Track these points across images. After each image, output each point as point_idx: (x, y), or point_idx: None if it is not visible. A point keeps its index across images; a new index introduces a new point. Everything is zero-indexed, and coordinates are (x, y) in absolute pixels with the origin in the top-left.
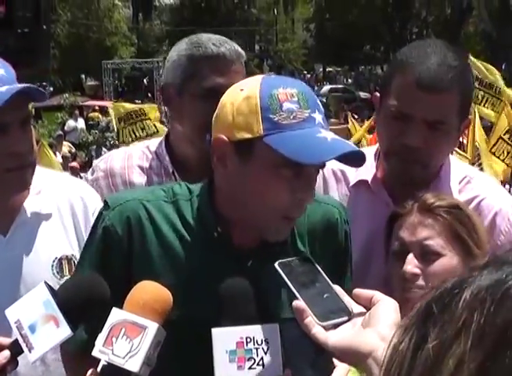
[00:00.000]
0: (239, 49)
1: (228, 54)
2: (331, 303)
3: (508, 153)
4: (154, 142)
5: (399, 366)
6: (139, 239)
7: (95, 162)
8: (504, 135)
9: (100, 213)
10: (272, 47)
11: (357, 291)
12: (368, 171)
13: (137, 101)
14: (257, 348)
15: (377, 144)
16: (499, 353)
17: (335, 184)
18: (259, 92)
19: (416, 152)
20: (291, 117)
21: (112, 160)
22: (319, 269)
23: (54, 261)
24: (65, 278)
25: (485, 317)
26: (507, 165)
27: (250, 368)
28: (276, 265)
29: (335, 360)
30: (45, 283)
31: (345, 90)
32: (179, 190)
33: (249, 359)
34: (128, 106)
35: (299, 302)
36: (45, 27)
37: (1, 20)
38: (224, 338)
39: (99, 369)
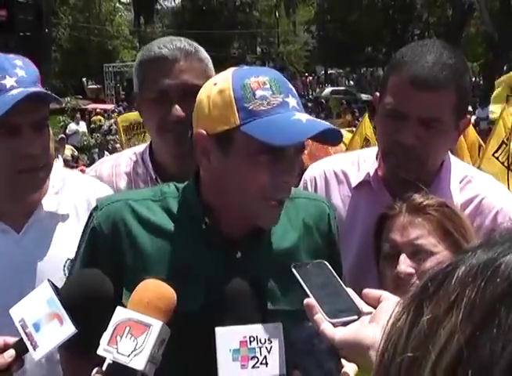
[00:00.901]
0: (187, 46)
1: (170, 54)
2: (342, 302)
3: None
4: (141, 149)
5: (396, 341)
6: (127, 238)
7: (87, 170)
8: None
9: (90, 213)
10: (274, 49)
11: (366, 290)
12: (370, 172)
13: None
14: (260, 347)
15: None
16: (486, 324)
17: (336, 185)
18: (232, 84)
19: (410, 150)
20: (265, 104)
21: (101, 168)
22: (333, 271)
23: (66, 261)
24: None
25: (476, 292)
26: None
27: (253, 367)
28: (292, 266)
29: (343, 361)
30: (49, 281)
31: (347, 92)
32: (167, 189)
33: (252, 358)
34: (132, 116)
35: (309, 299)
36: (46, 30)
37: (3, 24)
38: (227, 337)
39: (104, 367)
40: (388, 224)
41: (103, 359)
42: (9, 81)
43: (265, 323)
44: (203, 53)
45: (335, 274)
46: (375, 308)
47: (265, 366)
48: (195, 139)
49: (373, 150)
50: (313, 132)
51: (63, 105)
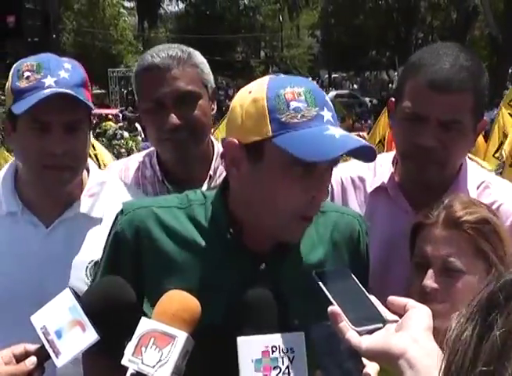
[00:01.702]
0: (180, 53)
1: (162, 62)
2: (366, 310)
3: None
4: (149, 152)
5: (463, 354)
6: (149, 245)
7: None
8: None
9: (116, 217)
10: (278, 53)
11: (391, 298)
12: (386, 178)
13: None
14: (282, 357)
15: (394, 150)
16: None
17: (353, 191)
18: (266, 94)
19: (431, 152)
20: (299, 117)
21: (110, 172)
22: (355, 279)
23: (90, 263)
24: None
25: None
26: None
27: None
28: (314, 273)
29: (364, 360)
30: (70, 288)
31: (351, 96)
32: (193, 197)
33: (274, 368)
34: None
35: (334, 307)
36: (54, 35)
37: (11, 30)
38: (249, 347)
39: None
40: (422, 233)
41: (126, 369)
42: (48, 80)
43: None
44: (198, 58)
45: (357, 281)
46: (400, 316)
47: None
48: (225, 147)
49: (390, 155)
50: (346, 149)
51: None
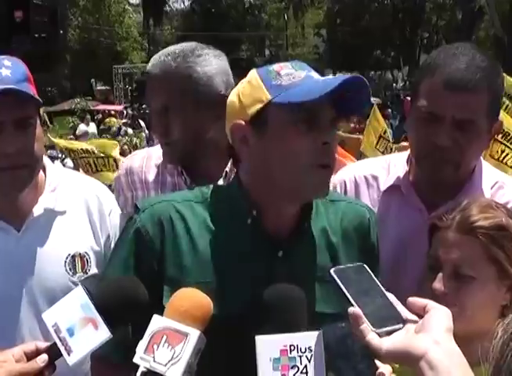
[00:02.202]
0: (172, 63)
1: (153, 73)
2: (385, 311)
3: (503, 152)
4: None
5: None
6: (171, 239)
7: (122, 159)
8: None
9: (130, 217)
10: (283, 52)
11: (411, 299)
12: (400, 177)
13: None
14: (300, 356)
15: (408, 150)
16: None
17: (366, 190)
18: (257, 72)
19: (446, 152)
20: (292, 78)
21: (133, 159)
22: (373, 276)
23: (67, 257)
24: (77, 275)
25: None
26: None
27: None
28: (332, 271)
29: (377, 362)
30: (83, 285)
31: None
32: (207, 191)
33: (293, 367)
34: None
35: (355, 309)
36: (61, 31)
37: (18, 25)
38: (267, 346)
39: (137, 375)
40: (436, 236)
41: (136, 367)
42: None
43: (306, 329)
44: (198, 66)
45: (375, 278)
46: (419, 316)
47: (305, 375)
48: (231, 131)
49: (404, 155)
50: (339, 81)
51: (73, 106)
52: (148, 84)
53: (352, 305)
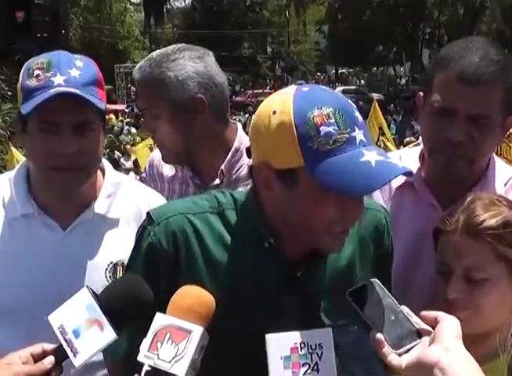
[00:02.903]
0: (148, 68)
1: (135, 78)
2: (402, 328)
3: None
4: None
5: None
6: (186, 254)
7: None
8: None
9: (144, 227)
10: (285, 49)
11: (423, 313)
12: (413, 173)
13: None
14: (311, 354)
15: (421, 145)
16: None
17: None
18: (293, 118)
19: (460, 146)
20: (331, 142)
21: (155, 153)
22: (385, 290)
23: (109, 265)
24: None
25: None
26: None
27: (304, 374)
28: (347, 294)
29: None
30: (88, 287)
31: (358, 91)
32: (224, 199)
33: (303, 365)
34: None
35: (377, 335)
36: (63, 31)
37: (20, 25)
38: (278, 344)
39: (142, 374)
40: (442, 240)
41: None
42: (57, 79)
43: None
44: (171, 71)
45: (388, 293)
46: (432, 327)
47: (316, 372)
48: (256, 169)
49: (416, 151)
50: (385, 180)
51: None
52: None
53: (371, 329)
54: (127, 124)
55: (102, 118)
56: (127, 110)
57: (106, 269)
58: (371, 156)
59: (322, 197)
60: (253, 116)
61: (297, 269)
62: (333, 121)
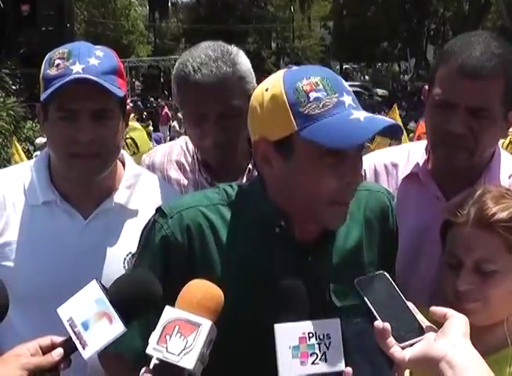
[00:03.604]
0: (226, 68)
1: (202, 81)
2: (407, 322)
3: None
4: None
5: None
6: (200, 246)
7: (143, 157)
8: None
9: (154, 222)
10: (289, 44)
11: (433, 308)
12: (419, 164)
13: (152, 99)
14: (319, 344)
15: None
16: None
17: (386, 178)
18: (284, 88)
19: (460, 139)
20: (320, 106)
21: (155, 155)
22: (393, 283)
23: (128, 255)
24: None
25: None
26: None
27: (312, 363)
28: (356, 283)
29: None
30: (97, 280)
31: (362, 87)
32: (232, 191)
33: (311, 355)
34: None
35: (384, 324)
36: (68, 25)
37: (25, 19)
38: (287, 334)
39: (150, 367)
40: (452, 233)
41: (149, 358)
42: (76, 67)
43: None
44: (242, 68)
45: (396, 287)
46: (439, 324)
47: (324, 362)
48: (254, 146)
49: (423, 143)
50: (372, 132)
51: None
52: (189, 92)
53: (376, 319)
54: (131, 119)
55: (123, 108)
56: (130, 105)
57: (125, 260)
58: (360, 114)
59: (319, 163)
60: None
61: (307, 254)
62: (321, 87)
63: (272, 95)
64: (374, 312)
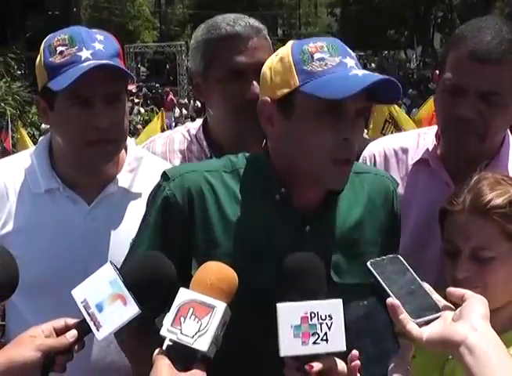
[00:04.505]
0: (257, 24)
1: (243, 31)
2: (422, 300)
3: None
4: (195, 126)
5: None
6: (200, 209)
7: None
8: None
9: (159, 185)
10: (296, 31)
11: (450, 289)
12: (429, 150)
13: (157, 85)
14: (321, 324)
15: None
16: None
17: (395, 163)
18: (291, 51)
19: (471, 124)
20: (323, 65)
21: (154, 145)
22: (408, 266)
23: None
24: None
25: None
26: None
27: (314, 343)
28: (369, 264)
29: (400, 340)
30: (111, 262)
31: None
32: (236, 160)
33: (313, 335)
34: None
35: (393, 300)
36: (75, 9)
37: (32, 3)
38: (289, 313)
39: (163, 348)
40: (449, 220)
41: (162, 340)
42: (84, 54)
43: (327, 297)
44: (266, 31)
45: (410, 269)
46: (457, 305)
47: (325, 342)
48: (259, 106)
49: (433, 129)
50: (369, 82)
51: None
52: (226, 45)
53: (389, 296)
54: (136, 104)
55: (126, 89)
56: (134, 91)
57: (130, 243)
58: (359, 72)
59: (318, 117)
60: None
61: (306, 224)
62: (326, 50)
63: (280, 58)
64: (387, 289)
